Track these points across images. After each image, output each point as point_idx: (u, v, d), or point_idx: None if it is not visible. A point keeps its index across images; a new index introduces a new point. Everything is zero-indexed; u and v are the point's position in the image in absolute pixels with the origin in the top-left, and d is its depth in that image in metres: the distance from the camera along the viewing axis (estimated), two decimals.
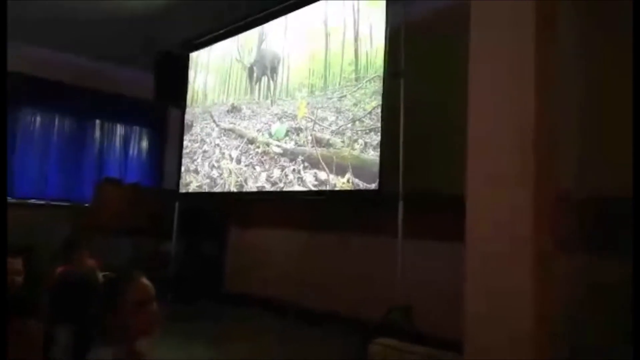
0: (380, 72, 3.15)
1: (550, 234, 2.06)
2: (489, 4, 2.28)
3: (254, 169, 3.96)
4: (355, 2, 3.40)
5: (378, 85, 3.15)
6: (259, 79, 4.15)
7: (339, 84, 3.43)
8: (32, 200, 5.28)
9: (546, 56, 2.14)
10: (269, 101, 3.99)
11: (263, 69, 4.12)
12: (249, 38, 4.30)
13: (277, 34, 4.02)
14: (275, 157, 3.79)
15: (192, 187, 4.60)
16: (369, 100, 3.20)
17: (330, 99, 3.46)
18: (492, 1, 2.27)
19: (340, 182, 3.27)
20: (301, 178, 3.54)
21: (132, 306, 1.42)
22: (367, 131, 3.17)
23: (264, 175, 3.86)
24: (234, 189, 4.14)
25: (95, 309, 1.48)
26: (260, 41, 4.20)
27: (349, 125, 3.30)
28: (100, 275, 1.65)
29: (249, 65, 4.26)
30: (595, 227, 2.34)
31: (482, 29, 2.30)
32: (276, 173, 3.75)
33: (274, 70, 4.01)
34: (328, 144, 3.40)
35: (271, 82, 4.01)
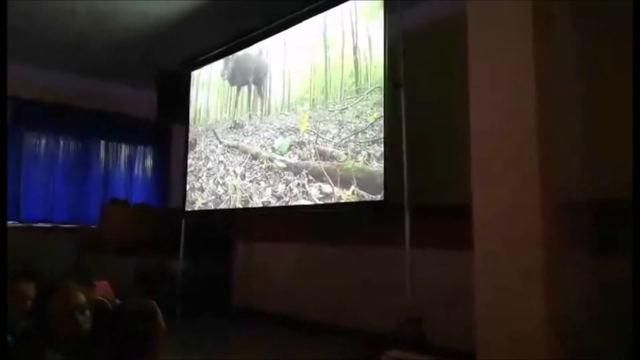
0: (381, 83, 3.16)
1: (555, 235, 2.05)
2: (486, 4, 2.29)
3: (259, 184, 3.97)
4: (353, 14, 3.43)
5: (379, 97, 3.17)
6: (260, 95, 4.17)
7: (340, 97, 3.45)
8: (40, 224, 5.30)
9: (545, 57, 2.15)
10: (271, 116, 4.01)
11: (264, 85, 4.15)
12: (249, 54, 4.33)
13: (277, 49, 4.05)
14: (280, 171, 3.80)
15: (198, 205, 4.61)
16: (371, 112, 3.21)
17: (332, 111, 3.48)
18: (489, 1, 2.28)
19: (346, 195, 3.28)
20: (306, 192, 3.55)
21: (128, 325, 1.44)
22: (370, 143, 3.18)
23: (269, 190, 3.87)
24: (239, 205, 4.14)
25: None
26: (261, 57, 4.23)
27: (352, 137, 3.31)
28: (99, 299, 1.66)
29: (250, 81, 4.29)
30: (599, 228, 2.33)
31: (479, 30, 2.31)
32: (281, 187, 3.76)
33: (274, 85, 4.03)
34: (331, 157, 3.41)
35: (272, 97, 4.04)
